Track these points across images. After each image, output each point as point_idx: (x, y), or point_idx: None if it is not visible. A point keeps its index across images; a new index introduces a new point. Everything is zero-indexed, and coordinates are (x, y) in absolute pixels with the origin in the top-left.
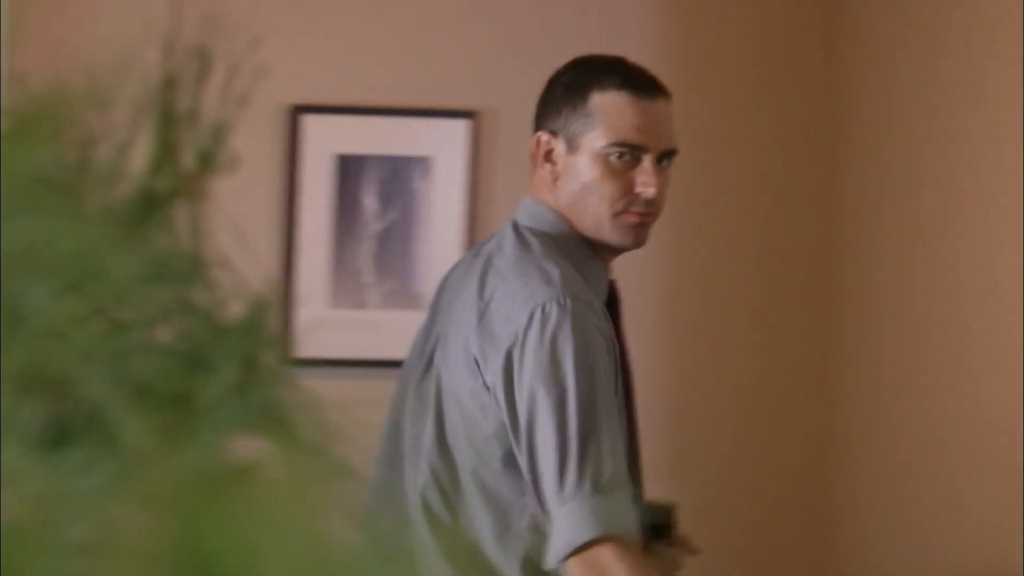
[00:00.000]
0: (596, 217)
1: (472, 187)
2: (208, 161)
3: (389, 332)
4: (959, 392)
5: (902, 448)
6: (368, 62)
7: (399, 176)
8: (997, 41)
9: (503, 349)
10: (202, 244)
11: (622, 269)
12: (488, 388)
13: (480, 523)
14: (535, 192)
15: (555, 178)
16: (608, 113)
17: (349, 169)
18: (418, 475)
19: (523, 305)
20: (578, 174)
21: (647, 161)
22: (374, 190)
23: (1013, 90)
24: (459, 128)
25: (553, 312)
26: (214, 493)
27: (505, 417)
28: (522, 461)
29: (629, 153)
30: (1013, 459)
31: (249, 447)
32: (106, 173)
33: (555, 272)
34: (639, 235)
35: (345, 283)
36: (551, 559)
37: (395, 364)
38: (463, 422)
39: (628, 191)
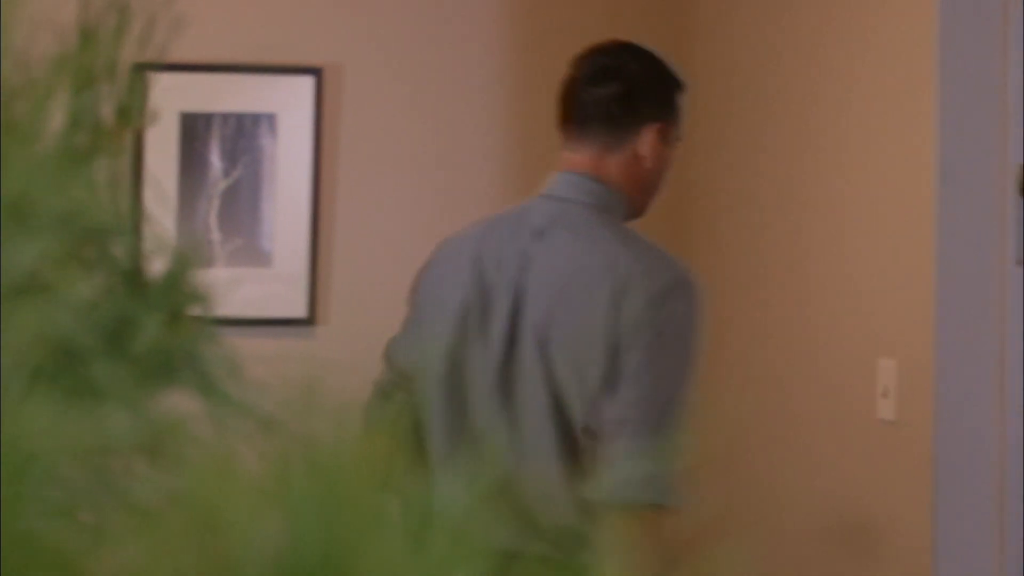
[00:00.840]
0: (646, 204)
1: (318, 144)
2: (127, 116)
3: (234, 290)
4: (810, 365)
5: (748, 428)
6: (212, 19)
7: (245, 134)
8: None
9: (632, 318)
10: (123, 200)
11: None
12: (610, 350)
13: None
14: (594, 171)
15: (639, 165)
16: (682, 109)
17: (194, 127)
18: (526, 437)
19: (653, 279)
20: (662, 166)
21: None
22: (219, 148)
23: (856, 54)
24: (304, 85)
25: (683, 291)
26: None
27: (618, 368)
28: (619, 409)
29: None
30: (866, 435)
31: (175, 403)
32: (24, 130)
33: (662, 249)
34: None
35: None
36: (605, 497)
37: (241, 322)
38: (579, 383)
39: None
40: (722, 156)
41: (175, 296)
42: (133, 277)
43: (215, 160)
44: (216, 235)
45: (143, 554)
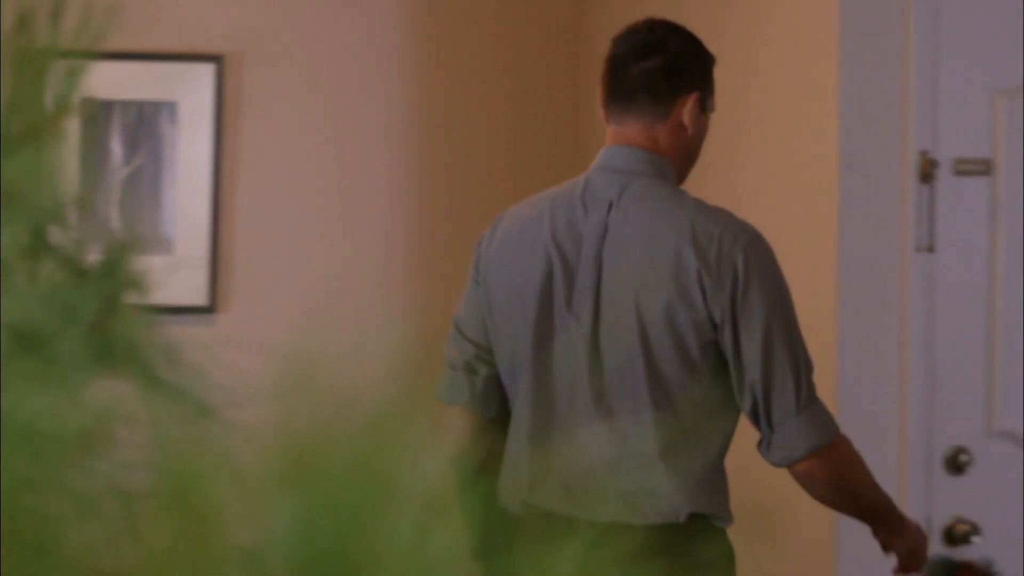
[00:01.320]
0: (688, 171)
1: (219, 132)
2: (65, 102)
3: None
4: None
5: None
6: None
7: (145, 121)
8: None
9: (727, 280)
10: (61, 186)
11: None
12: (708, 314)
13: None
14: (649, 144)
15: (682, 133)
16: (713, 84)
17: (94, 115)
18: (624, 410)
19: (733, 240)
20: (701, 133)
21: None
22: (120, 136)
23: (759, 43)
24: (205, 72)
25: (764, 246)
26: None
27: (727, 337)
28: (748, 375)
29: None
30: None
31: (111, 389)
32: None
33: (729, 213)
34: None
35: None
36: (787, 459)
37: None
38: (676, 348)
39: None
40: None
41: (114, 283)
42: (73, 264)
43: (116, 148)
44: (117, 223)
45: (149, 545)
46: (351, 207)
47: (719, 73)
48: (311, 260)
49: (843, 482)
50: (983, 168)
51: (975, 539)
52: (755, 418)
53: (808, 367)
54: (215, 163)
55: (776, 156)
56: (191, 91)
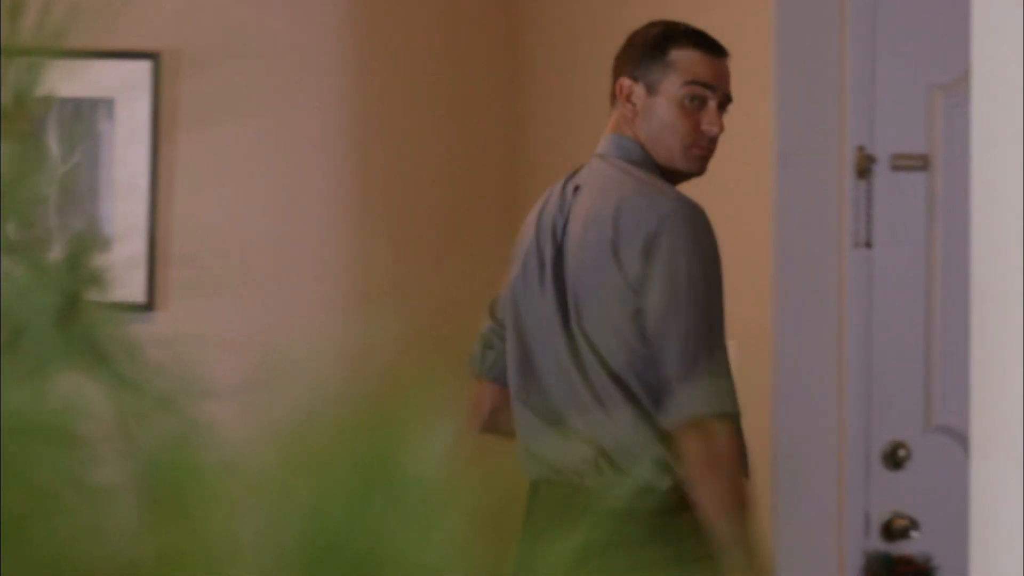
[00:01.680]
0: (669, 149)
1: (156, 129)
2: (26, 99)
3: None
4: None
5: None
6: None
7: (82, 119)
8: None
9: (638, 247)
10: (23, 182)
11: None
12: (628, 282)
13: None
14: (615, 128)
15: (634, 116)
16: (685, 64)
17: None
18: (567, 376)
19: (652, 210)
20: (658, 113)
21: (712, 105)
22: (56, 133)
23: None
24: (142, 69)
25: (689, 214)
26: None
27: (643, 301)
28: (653, 338)
29: (698, 97)
30: None
31: (73, 384)
32: None
33: (668, 187)
34: (702, 165)
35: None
36: (668, 423)
37: None
38: (606, 315)
39: (696, 129)
40: (558, 144)
41: (74, 279)
42: (34, 260)
43: (52, 145)
44: (54, 221)
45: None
46: (289, 204)
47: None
48: (249, 257)
49: (710, 462)
50: (920, 163)
51: (914, 534)
52: (661, 379)
53: (709, 341)
54: (152, 160)
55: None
56: (128, 88)
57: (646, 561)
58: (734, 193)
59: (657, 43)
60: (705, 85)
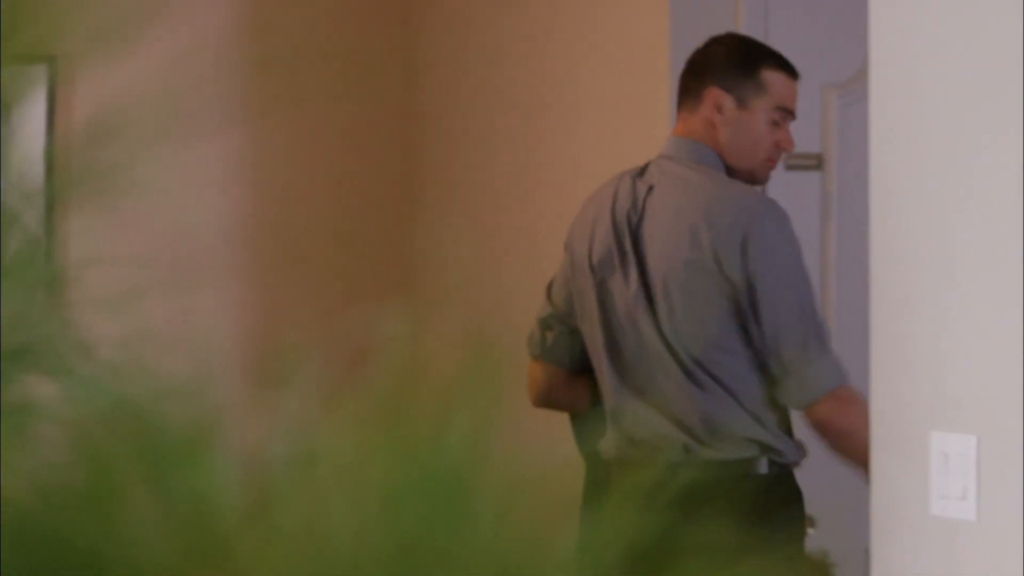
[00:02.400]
0: (751, 159)
1: (51, 133)
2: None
3: None
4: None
5: None
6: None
7: None
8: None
9: (736, 244)
10: None
11: None
12: (726, 276)
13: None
14: (688, 132)
15: (721, 124)
16: (776, 87)
17: None
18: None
19: (745, 209)
20: (748, 127)
21: (787, 125)
22: None
23: (589, 44)
24: (37, 73)
25: (777, 211)
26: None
27: (749, 294)
28: (757, 329)
29: (781, 118)
30: None
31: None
32: None
33: (750, 188)
34: (770, 175)
35: None
36: (802, 403)
37: None
38: (698, 306)
39: (775, 145)
40: (454, 151)
41: (28, 279)
42: None
43: None
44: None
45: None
46: (187, 203)
47: (551, 74)
48: (145, 280)
49: (856, 428)
50: (814, 163)
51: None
52: (777, 368)
53: (819, 323)
54: (48, 165)
55: (609, 151)
56: (23, 92)
57: (725, 544)
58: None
59: (748, 60)
60: (789, 110)
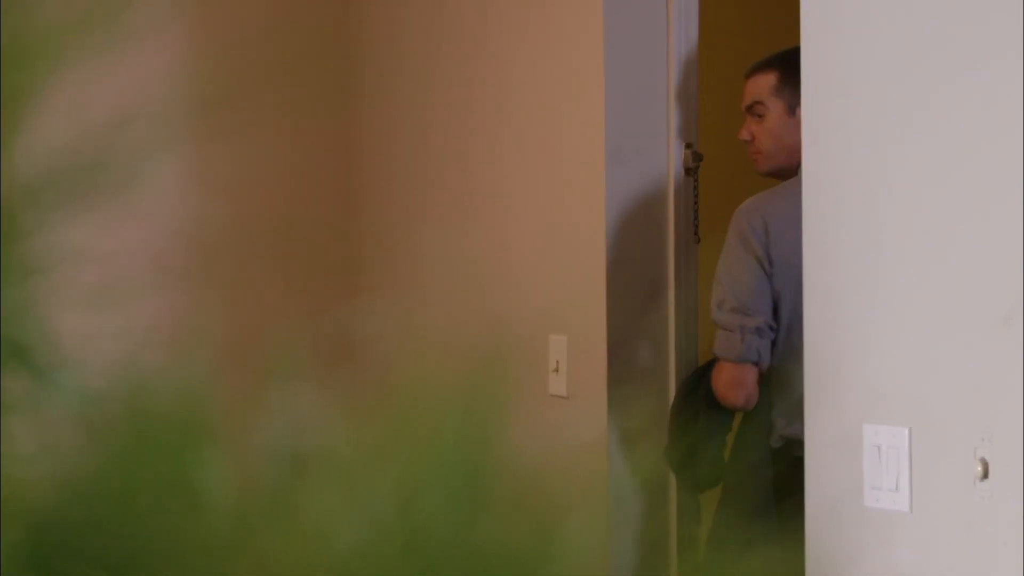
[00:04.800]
0: (796, 161)
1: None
2: None
3: None
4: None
5: None
6: None
7: None
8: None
9: None
10: None
11: None
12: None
13: None
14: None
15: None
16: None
17: None
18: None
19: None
20: (784, 129)
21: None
22: None
23: (524, 37)
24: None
25: (737, 217)
26: None
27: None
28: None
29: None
30: None
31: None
32: None
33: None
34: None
35: None
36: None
37: None
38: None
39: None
40: (389, 137)
41: (14, 275)
42: None
43: None
44: None
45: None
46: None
47: (487, 65)
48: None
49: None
50: None
51: None
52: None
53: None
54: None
55: (544, 150)
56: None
57: None
58: (567, 190)
59: (783, 67)
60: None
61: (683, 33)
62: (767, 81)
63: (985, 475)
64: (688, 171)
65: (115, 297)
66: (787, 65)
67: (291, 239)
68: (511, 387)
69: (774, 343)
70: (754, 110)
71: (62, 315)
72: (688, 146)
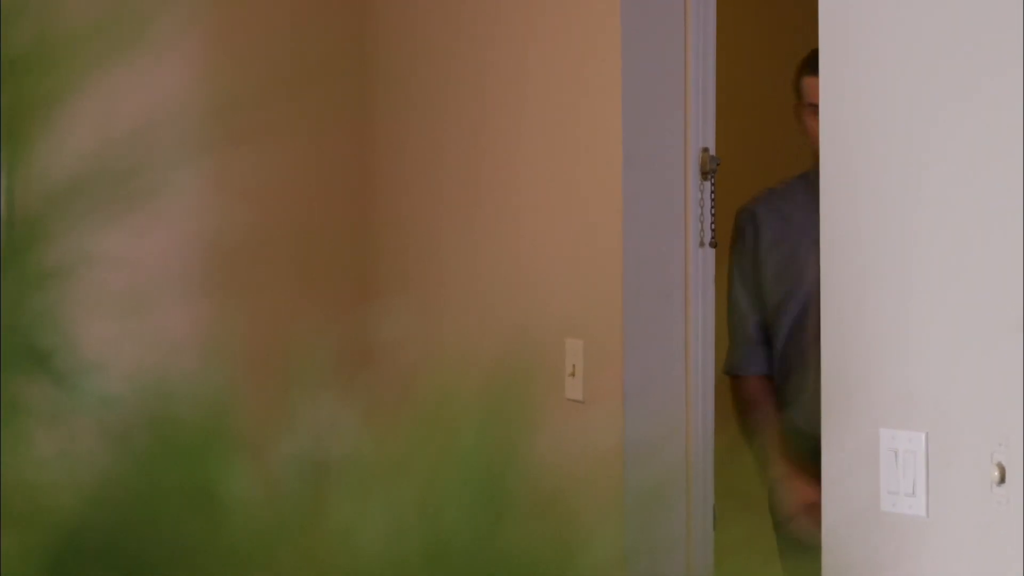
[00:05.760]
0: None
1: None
2: None
3: None
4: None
5: None
6: None
7: None
8: None
9: None
10: None
11: None
12: None
13: None
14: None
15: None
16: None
17: None
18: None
19: None
20: (803, 122)
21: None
22: None
23: (542, 43)
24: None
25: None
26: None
27: None
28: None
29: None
30: None
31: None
32: None
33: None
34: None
35: None
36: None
37: None
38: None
39: None
40: (405, 143)
41: (17, 282)
42: None
43: None
44: None
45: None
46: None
47: (503, 69)
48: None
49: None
50: None
51: None
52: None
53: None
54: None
55: (560, 155)
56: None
57: None
58: (583, 195)
59: (803, 61)
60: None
61: (700, 36)
62: None
63: (1002, 480)
64: (705, 175)
65: (138, 303)
66: None
67: (310, 245)
68: (533, 394)
69: (773, 347)
70: None
71: (85, 321)
72: (705, 150)
